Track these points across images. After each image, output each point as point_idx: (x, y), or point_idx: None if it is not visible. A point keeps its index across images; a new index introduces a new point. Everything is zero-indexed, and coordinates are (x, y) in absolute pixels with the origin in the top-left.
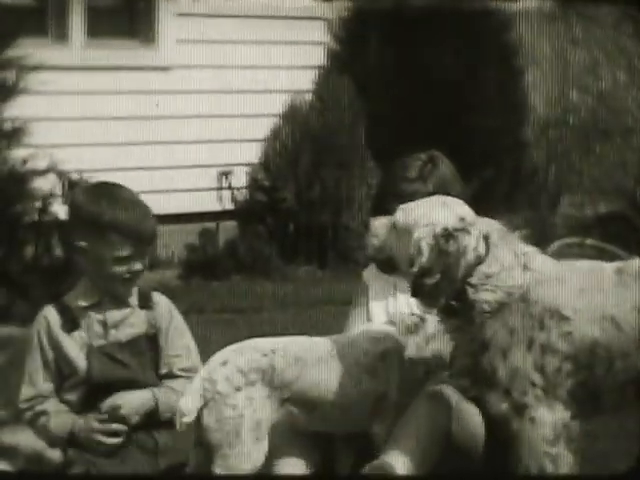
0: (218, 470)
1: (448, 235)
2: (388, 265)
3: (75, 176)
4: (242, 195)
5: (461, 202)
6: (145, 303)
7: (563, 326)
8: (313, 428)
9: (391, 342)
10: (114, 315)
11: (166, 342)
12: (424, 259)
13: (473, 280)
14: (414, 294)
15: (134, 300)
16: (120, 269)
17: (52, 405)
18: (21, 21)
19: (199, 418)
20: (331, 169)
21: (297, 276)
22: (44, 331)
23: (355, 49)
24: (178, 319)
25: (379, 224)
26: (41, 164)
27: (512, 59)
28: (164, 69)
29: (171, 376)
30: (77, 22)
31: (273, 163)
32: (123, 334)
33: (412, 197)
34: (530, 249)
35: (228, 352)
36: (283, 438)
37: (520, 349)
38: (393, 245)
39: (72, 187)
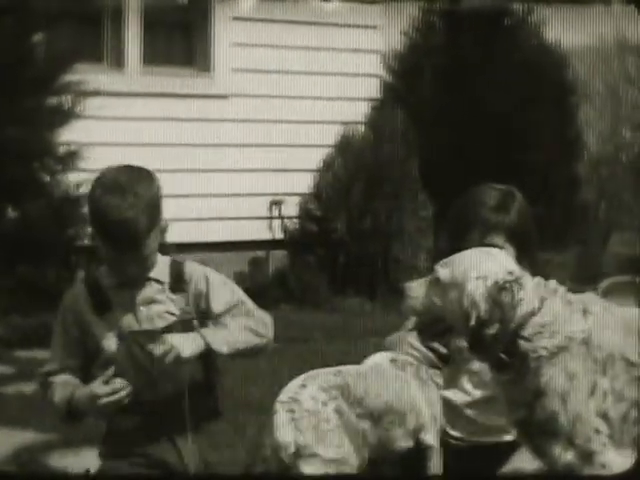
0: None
1: (501, 287)
2: (433, 326)
3: None
4: (293, 225)
5: (505, 253)
6: (177, 281)
7: (631, 372)
8: (377, 442)
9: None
10: (144, 293)
11: (210, 303)
12: (481, 311)
13: (526, 332)
14: (473, 348)
15: (165, 275)
16: (114, 276)
17: (61, 378)
18: (77, 46)
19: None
20: (383, 201)
21: (346, 307)
22: (70, 310)
23: (409, 82)
24: (215, 278)
25: (416, 285)
26: None
27: (568, 96)
28: (219, 97)
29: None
30: (133, 49)
31: (325, 193)
32: (155, 313)
33: (495, 227)
34: (587, 295)
35: (300, 379)
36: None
37: (581, 394)
38: (439, 303)
39: None
